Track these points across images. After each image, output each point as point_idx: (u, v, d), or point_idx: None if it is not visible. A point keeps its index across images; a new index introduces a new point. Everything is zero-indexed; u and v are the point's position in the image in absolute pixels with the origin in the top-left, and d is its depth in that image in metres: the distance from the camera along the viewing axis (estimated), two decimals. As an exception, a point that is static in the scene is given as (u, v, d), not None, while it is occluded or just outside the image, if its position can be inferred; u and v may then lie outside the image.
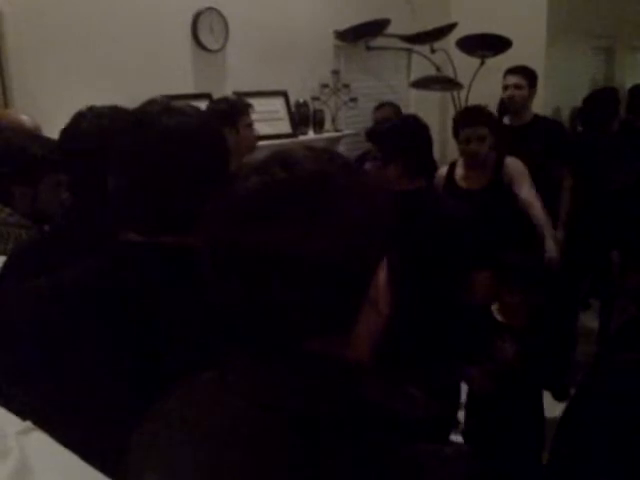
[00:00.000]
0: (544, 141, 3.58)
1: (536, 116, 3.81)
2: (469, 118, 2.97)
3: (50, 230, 1.74)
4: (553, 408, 3.07)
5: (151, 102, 1.13)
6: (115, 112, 1.49)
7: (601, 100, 4.02)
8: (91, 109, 1.51)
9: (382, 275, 0.73)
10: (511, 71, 3.77)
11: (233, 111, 2.74)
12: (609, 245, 2.96)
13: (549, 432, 2.34)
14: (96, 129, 1.44)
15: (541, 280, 2.34)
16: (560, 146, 3.67)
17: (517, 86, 3.69)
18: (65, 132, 1.50)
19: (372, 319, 0.72)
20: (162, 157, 1.05)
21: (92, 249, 1.11)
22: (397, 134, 2.18)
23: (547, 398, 3.39)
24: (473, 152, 2.94)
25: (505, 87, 3.74)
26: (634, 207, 1.35)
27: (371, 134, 2.26)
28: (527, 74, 3.74)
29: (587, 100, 4.14)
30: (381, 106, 4.03)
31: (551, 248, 3.08)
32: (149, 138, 1.06)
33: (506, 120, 3.84)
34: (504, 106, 3.93)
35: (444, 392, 1.89)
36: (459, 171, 3.08)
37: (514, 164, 3.06)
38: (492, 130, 2.94)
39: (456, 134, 3.00)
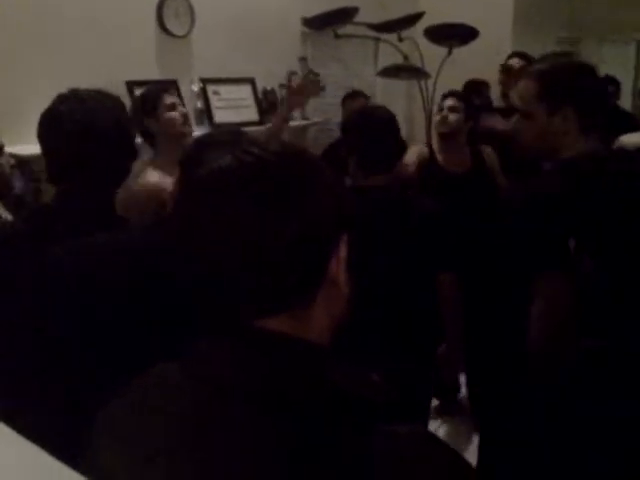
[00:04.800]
0: None
1: None
2: (448, 92, 3.10)
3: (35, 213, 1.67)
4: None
5: None
6: (99, 96, 1.45)
7: None
8: (74, 92, 1.45)
9: (344, 255, 0.75)
10: (518, 55, 3.80)
11: (149, 98, 2.52)
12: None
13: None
14: (78, 113, 1.39)
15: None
16: None
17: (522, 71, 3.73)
18: (45, 116, 1.44)
19: (332, 299, 0.75)
20: None
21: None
22: (351, 130, 2.16)
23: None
24: (439, 120, 3.03)
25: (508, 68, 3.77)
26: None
27: (341, 126, 2.25)
28: (532, 62, 3.76)
29: None
30: (353, 96, 3.99)
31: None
32: None
33: (496, 102, 3.93)
34: (470, 88, 3.98)
35: (409, 379, 1.90)
36: (439, 155, 3.12)
37: (491, 151, 3.14)
38: (467, 110, 3.03)
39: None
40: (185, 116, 2.56)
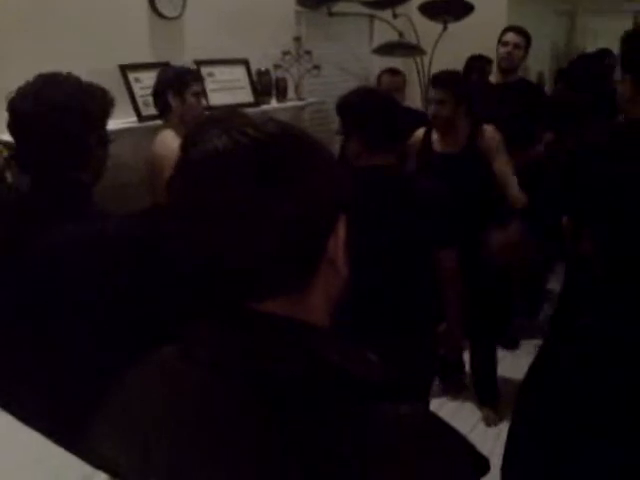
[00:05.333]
0: (525, 103, 3.57)
1: (522, 79, 3.82)
2: (434, 80, 3.00)
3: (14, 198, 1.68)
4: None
5: None
6: (57, 82, 1.43)
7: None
8: (33, 81, 1.44)
9: (342, 236, 0.75)
10: (513, 29, 3.76)
11: (180, 79, 2.79)
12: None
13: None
14: (44, 101, 1.38)
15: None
16: (541, 109, 3.66)
17: (517, 45, 3.70)
18: (8, 106, 1.43)
19: (330, 280, 0.74)
20: None
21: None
22: (353, 109, 2.13)
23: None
24: (432, 114, 2.99)
25: (504, 43, 3.72)
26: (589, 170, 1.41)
27: (337, 107, 2.20)
28: (527, 36, 3.75)
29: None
30: (391, 72, 3.99)
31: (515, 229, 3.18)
32: None
33: (492, 78, 3.86)
34: (471, 66, 3.95)
35: (409, 358, 1.91)
36: (435, 135, 3.08)
37: (491, 133, 3.03)
38: (457, 96, 2.92)
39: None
40: (202, 108, 2.85)
